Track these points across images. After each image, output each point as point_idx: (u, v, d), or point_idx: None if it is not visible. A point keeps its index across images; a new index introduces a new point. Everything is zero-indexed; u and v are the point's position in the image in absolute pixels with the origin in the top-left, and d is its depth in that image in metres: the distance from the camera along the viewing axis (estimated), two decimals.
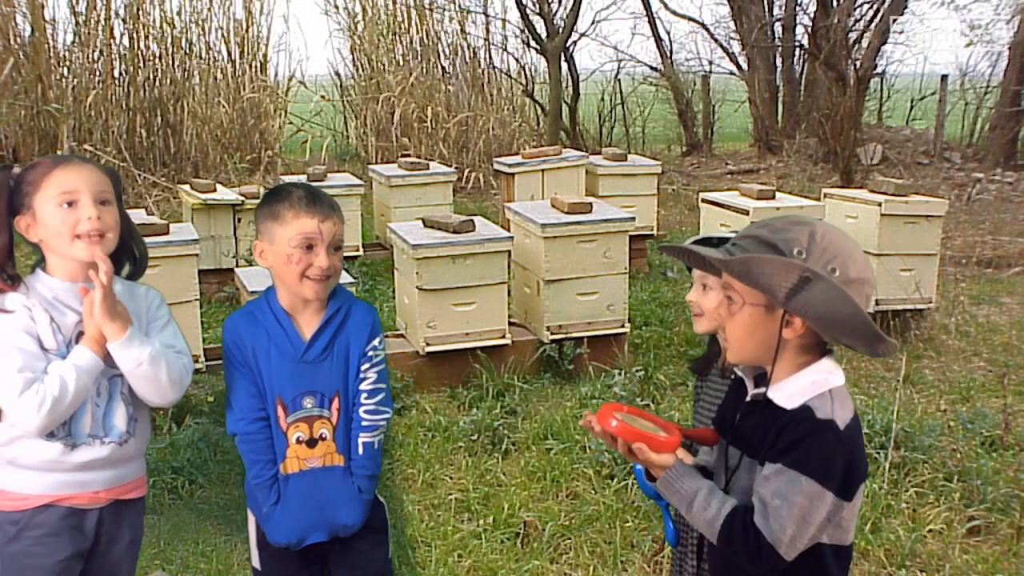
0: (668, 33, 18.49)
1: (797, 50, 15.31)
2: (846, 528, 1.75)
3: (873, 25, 13.90)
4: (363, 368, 2.26)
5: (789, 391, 1.71)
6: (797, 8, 15.08)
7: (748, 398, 1.79)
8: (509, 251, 5.34)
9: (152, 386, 2.12)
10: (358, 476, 2.27)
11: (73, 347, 2.08)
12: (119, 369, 2.11)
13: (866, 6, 13.98)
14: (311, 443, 2.22)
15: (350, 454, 2.26)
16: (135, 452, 2.22)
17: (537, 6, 13.43)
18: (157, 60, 12.01)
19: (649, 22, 15.92)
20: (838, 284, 1.64)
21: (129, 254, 2.23)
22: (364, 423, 2.26)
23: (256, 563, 2.34)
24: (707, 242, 2.16)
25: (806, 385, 1.71)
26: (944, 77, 15.07)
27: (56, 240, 2.07)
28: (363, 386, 2.26)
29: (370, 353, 2.27)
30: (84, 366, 2.06)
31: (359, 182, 7.74)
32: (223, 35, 12.74)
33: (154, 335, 2.17)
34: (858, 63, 13.22)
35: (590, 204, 5.52)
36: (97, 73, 11.47)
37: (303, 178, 7.27)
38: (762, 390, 1.75)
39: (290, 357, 2.21)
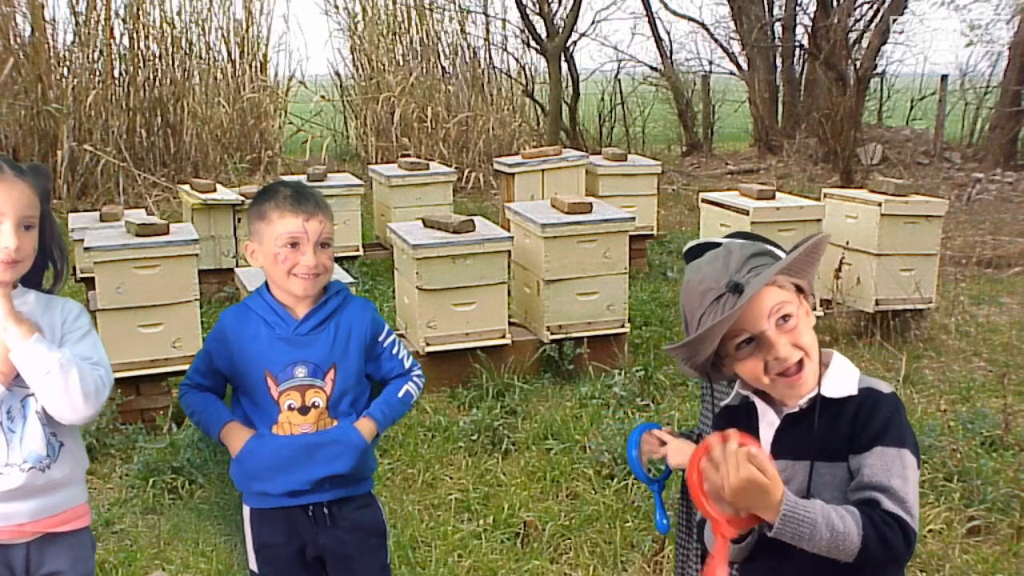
0: (668, 33, 18.39)
1: (797, 50, 15.30)
2: None
3: (873, 25, 13.89)
4: (394, 352, 2.38)
5: (836, 382, 1.73)
6: (797, 8, 15.07)
7: (796, 408, 1.74)
8: (509, 251, 5.34)
9: (62, 398, 1.92)
10: (381, 402, 2.34)
11: None
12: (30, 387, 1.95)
13: (866, 6, 13.99)
14: (303, 410, 2.24)
15: (345, 421, 2.29)
16: (63, 478, 2.03)
17: (537, 6, 13.43)
18: (157, 60, 12.02)
19: (649, 22, 15.92)
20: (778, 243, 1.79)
21: (51, 264, 2.09)
22: (416, 382, 2.42)
23: (254, 566, 2.34)
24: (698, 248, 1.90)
25: (845, 373, 1.74)
26: (944, 77, 15.06)
27: None
28: (406, 364, 2.41)
29: (392, 338, 2.39)
30: None
31: (359, 182, 7.74)
32: (223, 35, 12.76)
33: (70, 347, 1.99)
34: (858, 63, 13.21)
35: (590, 204, 5.52)
36: (97, 73, 11.47)
37: (303, 178, 7.27)
38: (812, 393, 1.71)
39: (282, 332, 2.25)
